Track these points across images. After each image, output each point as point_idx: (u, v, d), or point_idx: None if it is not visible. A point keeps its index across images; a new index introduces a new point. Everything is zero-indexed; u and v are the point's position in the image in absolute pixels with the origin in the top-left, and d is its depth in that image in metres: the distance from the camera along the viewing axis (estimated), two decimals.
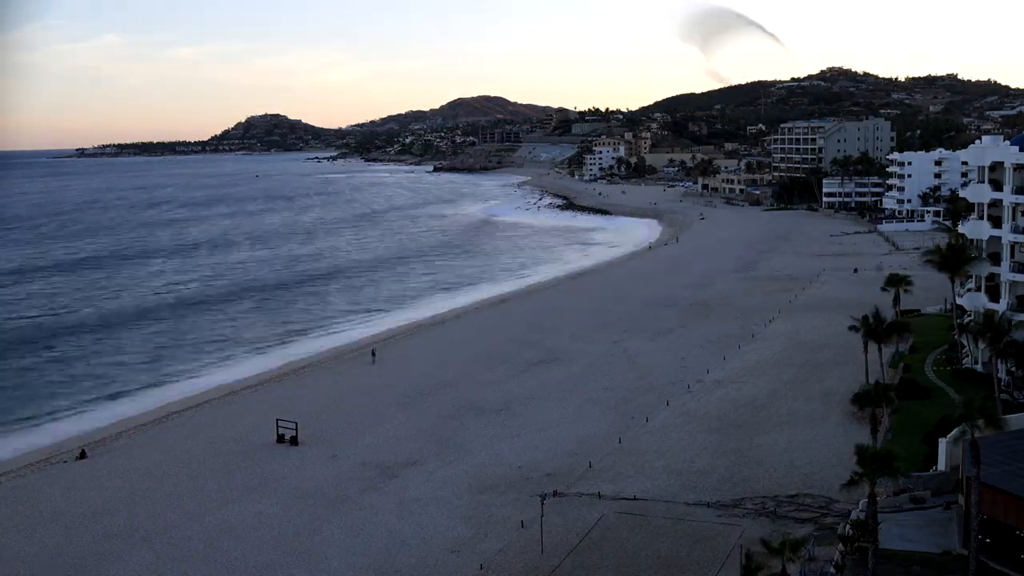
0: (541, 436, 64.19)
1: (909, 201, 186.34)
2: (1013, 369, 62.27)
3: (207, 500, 55.27)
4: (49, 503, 55.91)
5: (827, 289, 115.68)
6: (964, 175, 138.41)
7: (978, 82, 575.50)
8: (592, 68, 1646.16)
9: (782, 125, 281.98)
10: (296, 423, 66.05)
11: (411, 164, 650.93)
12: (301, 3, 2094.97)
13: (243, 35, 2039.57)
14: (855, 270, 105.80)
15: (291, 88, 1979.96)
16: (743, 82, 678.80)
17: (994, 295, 68.47)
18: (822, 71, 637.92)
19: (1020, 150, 66.15)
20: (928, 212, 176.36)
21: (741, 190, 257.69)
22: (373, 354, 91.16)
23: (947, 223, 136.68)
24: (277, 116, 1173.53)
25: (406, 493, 54.96)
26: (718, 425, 64.19)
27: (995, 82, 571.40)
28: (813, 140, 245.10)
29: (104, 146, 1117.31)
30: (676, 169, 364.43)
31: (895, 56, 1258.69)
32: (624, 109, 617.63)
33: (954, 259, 70.66)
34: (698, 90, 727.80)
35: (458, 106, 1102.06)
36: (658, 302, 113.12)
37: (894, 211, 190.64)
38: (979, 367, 67.54)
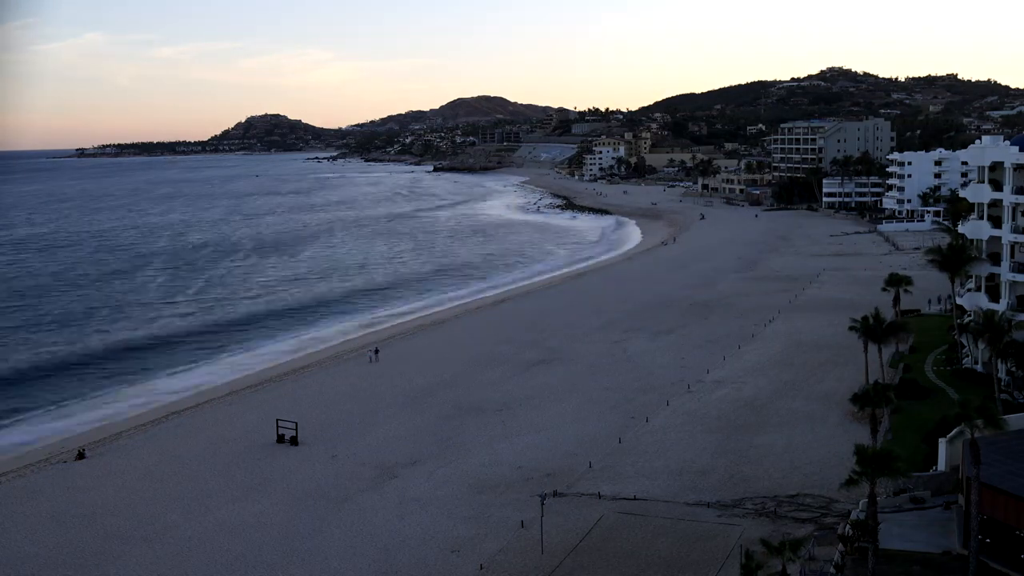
0: (541, 436, 64.18)
1: (909, 201, 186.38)
2: (1013, 369, 62.27)
3: (207, 500, 55.26)
4: (49, 503, 55.89)
5: (827, 289, 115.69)
6: (964, 175, 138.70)
7: (978, 82, 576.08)
8: (592, 68, 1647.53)
9: (782, 125, 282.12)
10: (296, 423, 66.07)
11: (411, 164, 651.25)
12: (300, 3, 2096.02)
13: (230, 35, 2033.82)
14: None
15: (290, 88, 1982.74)
16: (743, 82, 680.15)
17: (994, 295, 68.47)
18: (822, 71, 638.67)
19: (1020, 150, 66.12)
20: (928, 212, 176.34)
21: (741, 190, 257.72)
22: (376, 352, 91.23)
23: (947, 223, 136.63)
24: (277, 116, 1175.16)
25: (406, 493, 54.96)
26: (718, 425, 64.18)
27: (995, 82, 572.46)
28: (813, 140, 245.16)
29: (104, 146, 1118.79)
30: (676, 169, 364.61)
31: (895, 56, 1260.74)
32: (624, 109, 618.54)
33: (954, 259, 70.72)
34: (698, 90, 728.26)
35: (458, 106, 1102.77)
36: (658, 302, 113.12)
37: (894, 211, 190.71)
38: (979, 367, 67.54)
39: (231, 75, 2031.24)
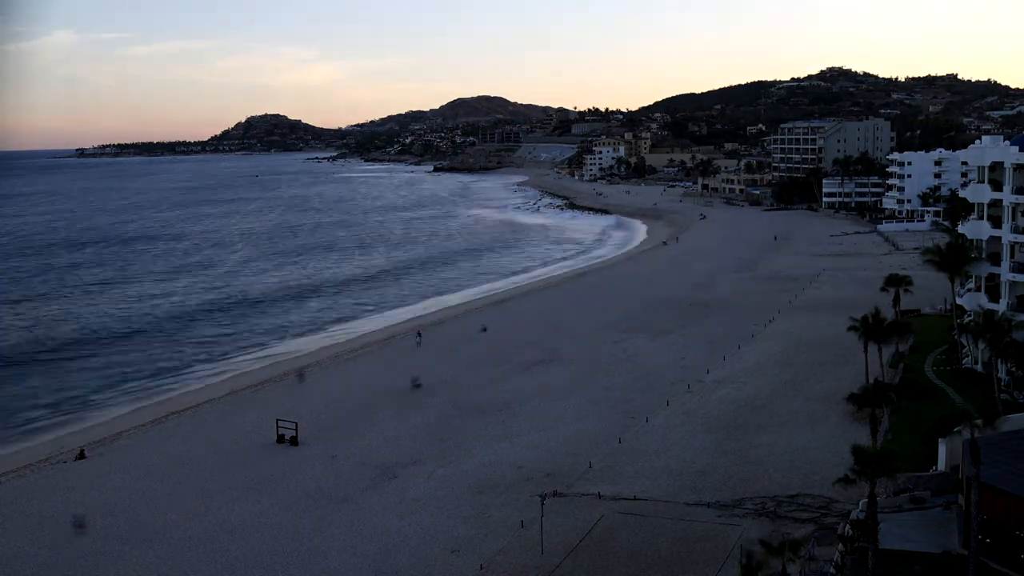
0: (541, 436, 64.19)
1: (909, 201, 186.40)
2: (1013, 369, 62.23)
3: (207, 500, 55.26)
4: (49, 503, 55.89)
5: (827, 289, 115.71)
6: (964, 175, 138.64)
7: (978, 82, 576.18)
8: (592, 68, 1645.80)
9: (782, 125, 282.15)
10: (296, 423, 66.08)
11: (411, 164, 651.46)
12: (301, 2, 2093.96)
13: (212, 33, 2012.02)
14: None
15: (290, 89, 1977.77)
16: (743, 82, 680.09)
17: (994, 295, 68.47)
18: (822, 71, 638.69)
19: (1020, 150, 66.14)
20: (928, 212, 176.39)
21: (741, 190, 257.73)
22: (419, 335, 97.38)
23: (947, 223, 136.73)
24: (277, 116, 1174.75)
25: (406, 493, 54.97)
26: (718, 425, 64.17)
27: (995, 82, 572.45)
28: (813, 140, 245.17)
29: (104, 146, 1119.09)
30: (676, 169, 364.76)
31: (895, 56, 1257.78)
32: (624, 109, 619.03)
33: (954, 259, 70.73)
34: (698, 90, 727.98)
35: (458, 106, 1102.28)
36: (658, 302, 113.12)
37: (894, 211, 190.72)
38: (979, 367, 67.53)
39: (224, 76, 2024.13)
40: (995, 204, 68.47)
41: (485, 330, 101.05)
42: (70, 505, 55.18)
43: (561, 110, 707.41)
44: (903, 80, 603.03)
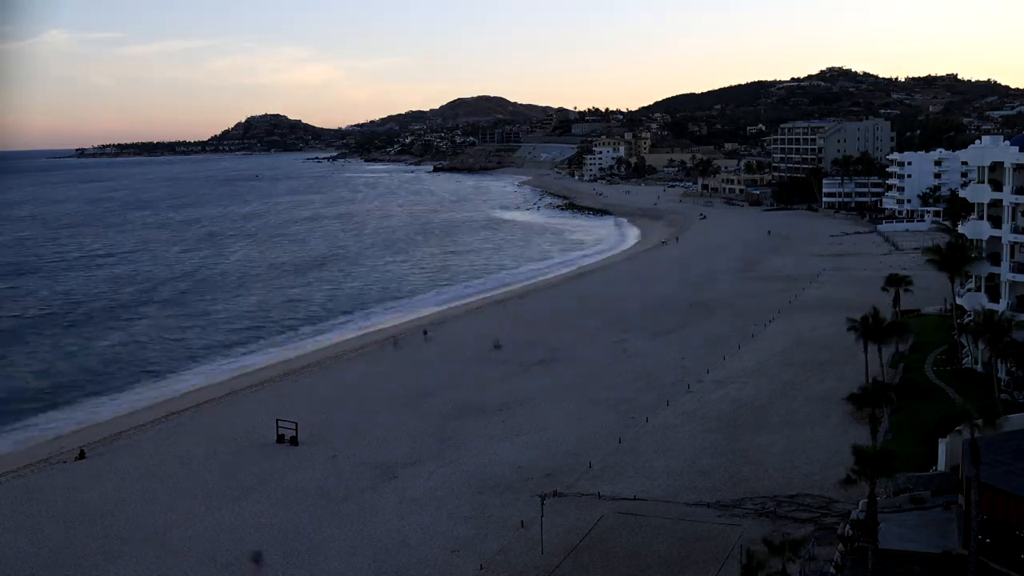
0: (541, 436, 64.19)
1: (909, 201, 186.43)
2: (1013, 369, 62.27)
3: (207, 500, 55.28)
4: (49, 503, 55.90)
5: (827, 289, 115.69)
6: (964, 175, 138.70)
7: (978, 82, 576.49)
8: (592, 68, 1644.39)
9: (782, 125, 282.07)
10: (296, 423, 66.09)
11: (411, 164, 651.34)
12: (301, 2, 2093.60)
13: (205, 33, 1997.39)
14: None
15: (290, 89, 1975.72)
16: (743, 82, 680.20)
17: (994, 295, 68.48)
18: (822, 71, 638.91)
19: (1020, 150, 66.14)
20: (928, 212, 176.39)
21: (741, 190, 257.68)
22: (425, 334, 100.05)
23: (947, 223, 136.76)
24: (277, 116, 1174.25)
25: (406, 493, 54.97)
26: (718, 425, 64.17)
27: (995, 82, 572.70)
28: (813, 140, 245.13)
29: (104, 146, 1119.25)
30: (676, 169, 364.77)
31: (895, 56, 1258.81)
32: (624, 109, 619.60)
33: (954, 259, 70.74)
34: (698, 90, 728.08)
35: (458, 106, 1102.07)
36: (658, 302, 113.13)
37: (894, 211, 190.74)
38: (979, 367, 67.54)
39: (224, 76, 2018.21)
40: (995, 204, 68.47)
41: (516, 300, 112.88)
42: (70, 505, 55.24)
43: (561, 110, 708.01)
44: (903, 80, 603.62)
